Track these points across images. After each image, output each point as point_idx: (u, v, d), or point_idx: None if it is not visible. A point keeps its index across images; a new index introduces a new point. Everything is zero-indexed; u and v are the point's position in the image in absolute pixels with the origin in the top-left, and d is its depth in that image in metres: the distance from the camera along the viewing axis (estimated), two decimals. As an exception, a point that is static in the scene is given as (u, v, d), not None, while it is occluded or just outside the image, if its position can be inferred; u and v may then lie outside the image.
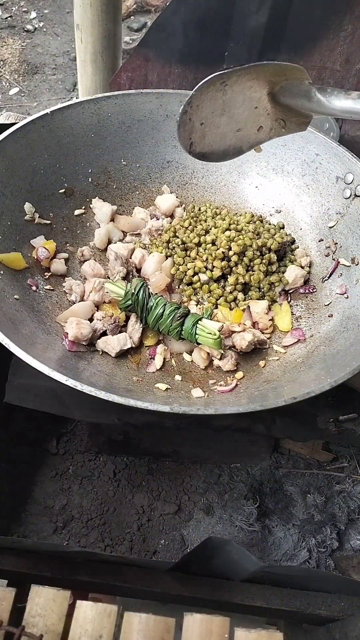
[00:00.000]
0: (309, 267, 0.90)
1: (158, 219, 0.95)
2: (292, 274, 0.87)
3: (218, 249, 0.84)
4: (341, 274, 0.86)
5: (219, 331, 0.74)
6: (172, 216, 0.97)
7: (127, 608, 0.61)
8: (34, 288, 0.81)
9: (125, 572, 0.70)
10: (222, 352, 0.77)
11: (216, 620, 0.59)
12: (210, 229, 0.88)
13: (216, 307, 0.85)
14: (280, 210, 0.96)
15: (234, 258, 0.83)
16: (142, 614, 0.59)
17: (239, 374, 0.75)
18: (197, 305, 0.85)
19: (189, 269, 0.85)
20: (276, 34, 1.17)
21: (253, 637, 0.59)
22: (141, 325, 0.79)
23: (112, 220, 0.95)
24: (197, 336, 0.75)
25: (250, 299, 0.85)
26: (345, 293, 0.83)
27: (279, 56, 1.21)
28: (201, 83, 0.55)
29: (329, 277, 0.87)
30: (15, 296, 0.77)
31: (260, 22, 1.15)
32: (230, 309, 0.84)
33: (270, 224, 0.93)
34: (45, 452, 1.08)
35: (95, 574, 0.69)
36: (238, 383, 0.75)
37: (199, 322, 0.75)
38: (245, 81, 0.55)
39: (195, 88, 0.56)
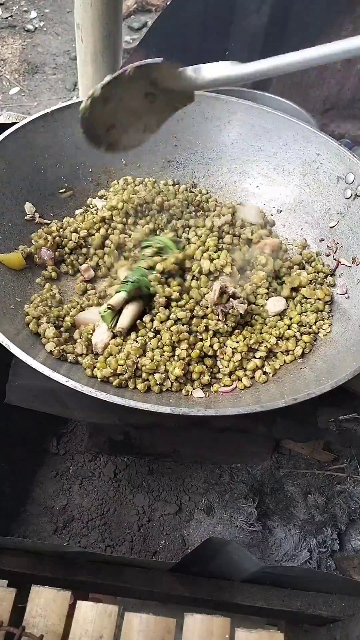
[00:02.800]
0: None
1: None
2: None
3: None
4: (342, 274, 0.86)
5: (110, 309, 0.74)
6: None
7: (128, 608, 0.61)
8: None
9: (126, 572, 0.70)
10: (112, 330, 0.74)
11: (217, 620, 0.59)
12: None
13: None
14: (281, 210, 0.96)
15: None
16: (143, 615, 0.59)
17: (239, 374, 0.75)
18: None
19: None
20: (277, 33, 1.17)
21: (254, 638, 0.59)
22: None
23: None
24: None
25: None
26: (346, 293, 0.83)
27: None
28: (93, 90, 0.65)
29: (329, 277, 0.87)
30: (17, 298, 0.77)
31: (261, 21, 1.15)
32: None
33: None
34: (45, 452, 1.08)
35: (95, 575, 0.69)
36: (238, 384, 0.75)
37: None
38: (127, 82, 0.65)
39: (88, 96, 0.65)
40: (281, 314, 0.81)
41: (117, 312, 0.75)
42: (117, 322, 0.74)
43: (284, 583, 0.71)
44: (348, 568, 0.91)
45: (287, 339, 0.78)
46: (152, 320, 0.75)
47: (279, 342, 0.77)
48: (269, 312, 0.81)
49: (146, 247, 0.83)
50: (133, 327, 0.75)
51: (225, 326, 0.74)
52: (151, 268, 0.78)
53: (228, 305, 0.74)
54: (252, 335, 0.76)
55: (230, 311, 0.74)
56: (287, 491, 1.06)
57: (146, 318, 0.76)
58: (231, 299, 0.74)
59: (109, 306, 0.74)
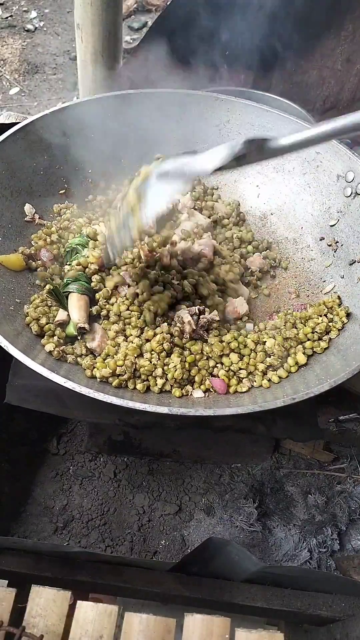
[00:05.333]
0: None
1: None
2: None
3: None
4: (343, 275, 0.86)
5: (61, 324, 0.75)
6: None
7: (128, 608, 0.61)
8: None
9: (126, 572, 0.70)
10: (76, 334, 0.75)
11: (217, 620, 0.59)
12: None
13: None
14: (281, 209, 0.96)
15: None
16: (143, 615, 0.59)
17: (240, 375, 0.75)
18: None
19: None
20: (277, 33, 1.16)
21: (254, 638, 0.59)
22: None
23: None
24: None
25: None
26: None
27: (279, 56, 1.21)
28: None
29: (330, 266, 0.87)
30: (16, 299, 0.77)
31: (261, 21, 1.14)
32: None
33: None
34: (45, 452, 1.08)
35: (95, 575, 0.69)
36: (239, 387, 0.75)
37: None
38: None
39: None
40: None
41: (69, 320, 0.75)
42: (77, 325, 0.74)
43: (284, 583, 0.71)
44: (348, 568, 0.91)
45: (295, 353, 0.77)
46: (142, 329, 0.75)
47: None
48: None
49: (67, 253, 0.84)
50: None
51: (215, 350, 0.74)
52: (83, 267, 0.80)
53: (204, 322, 0.74)
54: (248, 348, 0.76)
55: (209, 326, 0.75)
56: (287, 491, 1.06)
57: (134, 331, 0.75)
58: (201, 316, 0.75)
59: (57, 324, 0.75)
